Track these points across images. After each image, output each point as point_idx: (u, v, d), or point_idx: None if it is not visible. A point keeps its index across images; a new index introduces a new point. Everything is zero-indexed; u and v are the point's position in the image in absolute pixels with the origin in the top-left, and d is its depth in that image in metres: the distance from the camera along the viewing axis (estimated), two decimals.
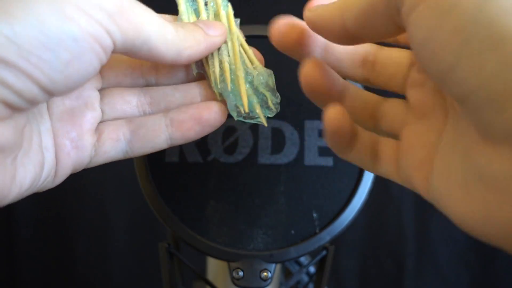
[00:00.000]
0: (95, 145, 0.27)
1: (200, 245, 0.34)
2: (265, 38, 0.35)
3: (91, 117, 0.27)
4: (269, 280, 0.33)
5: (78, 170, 0.28)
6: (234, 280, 0.33)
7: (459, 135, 0.21)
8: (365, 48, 0.27)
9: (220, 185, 0.35)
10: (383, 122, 0.26)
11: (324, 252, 0.36)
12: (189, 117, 0.28)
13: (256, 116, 0.28)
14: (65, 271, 0.95)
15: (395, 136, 0.25)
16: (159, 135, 0.28)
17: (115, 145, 0.28)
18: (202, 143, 0.35)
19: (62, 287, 0.95)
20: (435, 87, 0.24)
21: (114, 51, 0.23)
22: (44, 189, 0.26)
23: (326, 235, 0.34)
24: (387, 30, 0.21)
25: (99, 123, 0.28)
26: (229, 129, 0.35)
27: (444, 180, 0.21)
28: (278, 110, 0.29)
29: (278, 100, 0.29)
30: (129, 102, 0.29)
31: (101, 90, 0.29)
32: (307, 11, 0.24)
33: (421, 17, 0.18)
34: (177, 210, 0.34)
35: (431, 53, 0.18)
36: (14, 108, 0.21)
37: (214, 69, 0.28)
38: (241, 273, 0.33)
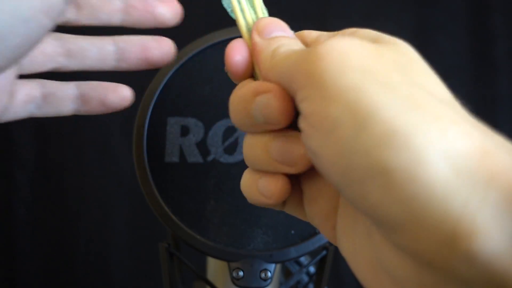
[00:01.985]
0: (6, 103, 0.27)
1: (200, 245, 0.34)
2: None
3: (4, 77, 0.27)
4: (269, 280, 0.33)
5: None
6: (234, 280, 0.33)
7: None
8: None
9: (220, 185, 0.35)
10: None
11: (324, 252, 0.36)
12: (96, 97, 0.29)
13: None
14: (65, 271, 0.94)
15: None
16: (67, 105, 0.29)
17: (25, 106, 0.29)
18: (202, 143, 0.35)
19: (62, 287, 0.95)
20: None
21: None
22: None
23: None
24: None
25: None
26: (229, 129, 0.35)
27: (348, 243, 0.21)
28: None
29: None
30: (43, 51, 0.28)
31: None
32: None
33: (308, 132, 0.19)
34: (177, 210, 0.34)
35: (322, 166, 0.19)
36: None
37: None
38: (241, 273, 0.33)
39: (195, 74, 0.36)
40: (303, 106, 0.19)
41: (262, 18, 0.26)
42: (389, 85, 0.17)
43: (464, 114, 0.18)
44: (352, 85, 0.17)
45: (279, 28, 0.25)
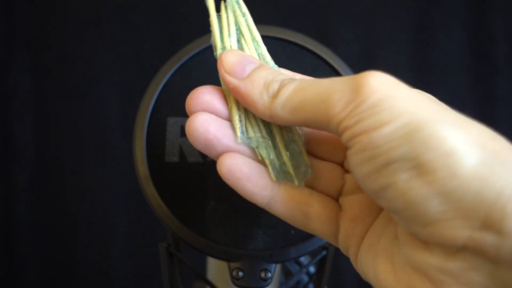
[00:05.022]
0: None
1: (200, 245, 0.34)
2: (265, 38, 0.35)
3: None
4: (269, 280, 0.33)
5: None
6: (234, 280, 0.33)
7: (390, 222, 0.23)
8: None
9: (220, 185, 0.35)
10: (317, 182, 0.26)
11: (324, 252, 0.36)
12: None
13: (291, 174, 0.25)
14: (65, 271, 0.94)
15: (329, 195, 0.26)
16: None
17: None
18: None
19: (62, 287, 0.95)
20: None
21: None
22: None
23: None
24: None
25: None
26: None
27: (370, 253, 0.23)
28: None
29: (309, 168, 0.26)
30: None
31: None
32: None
33: (359, 148, 0.21)
34: (177, 210, 0.34)
35: (367, 172, 0.21)
36: None
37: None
38: (241, 273, 0.33)
39: (195, 74, 0.36)
40: (356, 128, 0.21)
41: (224, 54, 0.24)
42: (435, 110, 0.20)
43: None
44: (406, 109, 0.20)
45: (247, 61, 0.24)
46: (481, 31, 1.00)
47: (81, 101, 0.94)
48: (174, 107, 0.36)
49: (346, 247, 0.25)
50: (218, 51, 0.25)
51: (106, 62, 0.95)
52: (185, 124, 0.36)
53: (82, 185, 0.95)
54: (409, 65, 0.95)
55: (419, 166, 0.19)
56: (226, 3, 0.26)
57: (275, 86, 0.23)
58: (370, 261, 0.23)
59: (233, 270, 0.33)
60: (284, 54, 0.36)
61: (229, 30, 0.25)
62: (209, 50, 0.36)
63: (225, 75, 0.23)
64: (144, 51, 0.94)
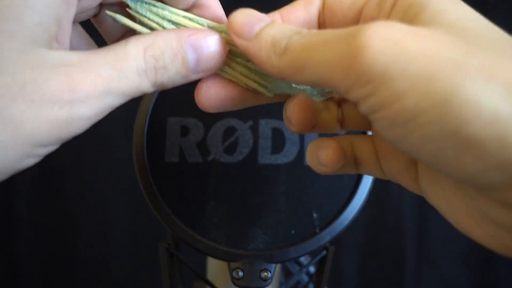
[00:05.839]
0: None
1: (200, 245, 0.34)
2: None
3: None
4: (269, 280, 0.33)
5: None
6: (234, 280, 0.33)
7: None
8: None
9: (220, 185, 0.35)
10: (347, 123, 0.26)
11: (324, 252, 0.36)
12: None
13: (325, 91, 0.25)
14: (65, 271, 0.95)
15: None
16: None
17: None
18: (202, 143, 0.35)
19: (62, 286, 0.95)
20: None
21: None
22: None
23: (326, 235, 0.34)
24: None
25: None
26: (229, 129, 0.35)
27: (438, 194, 0.22)
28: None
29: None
30: None
31: None
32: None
33: (382, 124, 0.19)
34: (177, 210, 0.34)
35: (408, 150, 0.19)
36: None
37: None
38: (241, 273, 0.33)
39: None
40: (368, 103, 0.18)
41: (233, 16, 0.23)
42: (455, 62, 0.17)
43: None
44: (421, 73, 0.17)
45: (256, 20, 0.23)
46: None
47: None
48: (174, 107, 0.36)
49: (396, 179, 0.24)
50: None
51: None
52: (185, 124, 0.36)
53: (82, 185, 0.95)
54: None
55: (465, 141, 0.17)
56: (135, 8, 0.25)
57: (282, 45, 0.21)
58: (440, 195, 0.22)
59: (233, 270, 0.33)
60: None
61: (162, 26, 0.25)
62: None
63: (234, 37, 0.23)
64: None
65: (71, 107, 0.20)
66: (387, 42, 0.17)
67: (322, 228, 0.34)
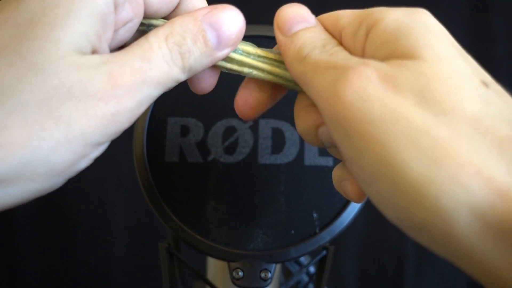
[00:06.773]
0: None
1: (200, 245, 0.34)
2: (264, 38, 0.35)
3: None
4: (269, 280, 0.33)
5: None
6: (234, 280, 0.33)
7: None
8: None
9: (220, 185, 0.35)
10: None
11: (324, 252, 0.36)
12: None
13: None
14: (65, 271, 0.94)
15: None
16: None
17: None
18: (202, 143, 0.35)
19: (61, 287, 0.95)
20: None
21: None
22: None
23: (326, 235, 0.34)
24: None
25: None
26: (229, 129, 0.35)
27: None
28: None
29: None
30: None
31: None
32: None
33: (353, 173, 0.21)
34: (177, 210, 0.34)
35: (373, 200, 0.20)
36: None
37: None
38: (241, 273, 0.33)
39: None
40: (339, 147, 0.20)
41: (281, 9, 0.24)
42: (412, 135, 0.18)
43: (490, 132, 0.18)
44: (377, 139, 0.18)
45: (300, 19, 0.24)
46: (481, 31, 1.00)
47: None
48: (174, 107, 0.36)
49: None
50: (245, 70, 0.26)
51: None
52: (185, 124, 0.36)
53: (82, 185, 0.95)
54: None
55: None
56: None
57: (304, 53, 0.23)
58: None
59: (233, 270, 0.33)
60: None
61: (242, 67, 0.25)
62: None
63: (275, 28, 0.24)
64: None
65: (115, 102, 0.21)
66: (358, 98, 0.19)
67: (322, 228, 0.34)
